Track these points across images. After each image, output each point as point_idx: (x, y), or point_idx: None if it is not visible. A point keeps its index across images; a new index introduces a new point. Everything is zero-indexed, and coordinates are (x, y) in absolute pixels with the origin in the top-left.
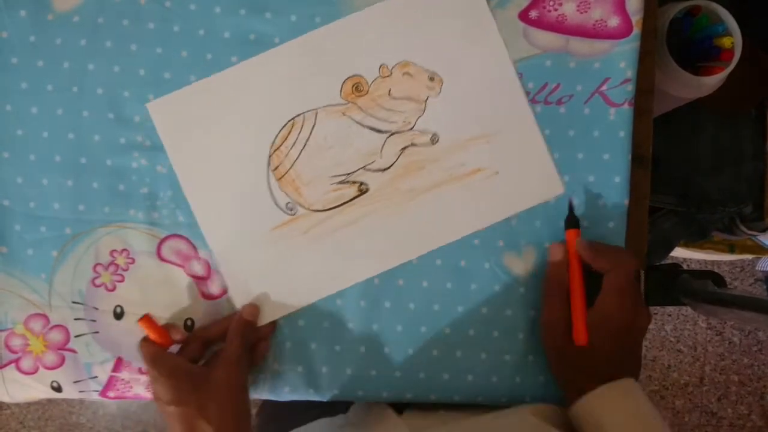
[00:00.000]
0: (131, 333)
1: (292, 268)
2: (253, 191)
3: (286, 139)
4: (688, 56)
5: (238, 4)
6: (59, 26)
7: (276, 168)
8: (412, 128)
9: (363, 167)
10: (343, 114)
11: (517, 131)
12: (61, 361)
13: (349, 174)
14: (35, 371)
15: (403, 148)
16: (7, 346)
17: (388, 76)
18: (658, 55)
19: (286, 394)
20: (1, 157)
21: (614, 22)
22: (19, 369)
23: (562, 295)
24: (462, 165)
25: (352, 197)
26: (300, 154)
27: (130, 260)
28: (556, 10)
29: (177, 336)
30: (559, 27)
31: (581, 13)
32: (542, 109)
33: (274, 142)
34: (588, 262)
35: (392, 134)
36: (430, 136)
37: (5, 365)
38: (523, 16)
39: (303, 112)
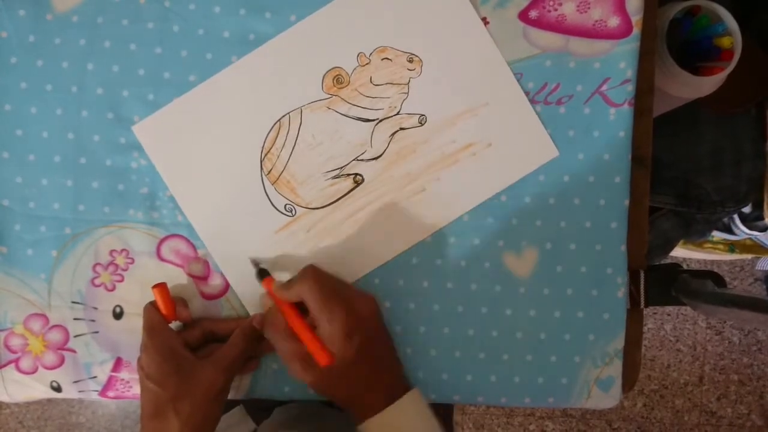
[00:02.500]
0: (131, 333)
1: (300, 269)
2: (251, 198)
3: (274, 141)
4: (688, 56)
5: (238, 4)
6: (58, 26)
7: (269, 172)
8: (398, 113)
9: (355, 158)
10: (328, 108)
11: (503, 100)
12: (61, 361)
13: (342, 167)
14: (35, 371)
15: (393, 134)
16: (7, 346)
17: (367, 64)
18: (658, 55)
19: (285, 393)
20: (1, 157)
21: (614, 22)
22: (18, 369)
23: (290, 335)
24: (453, 142)
25: (348, 190)
26: (291, 154)
27: (129, 260)
28: (555, 10)
29: (183, 314)
30: (558, 27)
31: (581, 13)
32: (542, 109)
33: (263, 146)
34: (287, 300)
35: (380, 121)
36: (417, 117)
37: (5, 365)
38: (523, 16)
39: (288, 113)
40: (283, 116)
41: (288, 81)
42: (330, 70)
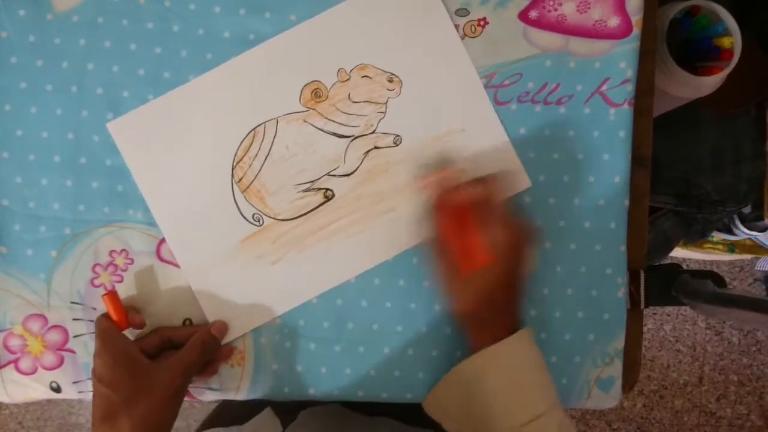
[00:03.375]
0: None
1: (264, 279)
2: (219, 205)
3: (248, 150)
4: (687, 56)
5: (238, 4)
6: (58, 26)
7: (240, 180)
8: (374, 131)
9: (327, 173)
10: (304, 121)
11: (479, 128)
12: (60, 362)
13: (313, 181)
14: (34, 372)
15: (367, 152)
16: (6, 347)
17: (347, 80)
18: (658, 55)
19: (285, 394)
20: (1, 157)
21: (614, 22)
22: (17, 369)
23: (453, 221)
24: (426, 164)
25: (318, 204)
26: (263, 164)
27: (129, 260)
28: (556, 10)
29: (136, 320)
30: (559, 27)
31: (581, 13)
32: (542, 109)
33: (236, 154)
34: (473, 192)
35: (355, 138)
36: (392, 137)
37: (4, 366)
38: (523, 16)
39: (263, 122)
40: (259, 125)
41: (266, 91)
42: (309, 83)
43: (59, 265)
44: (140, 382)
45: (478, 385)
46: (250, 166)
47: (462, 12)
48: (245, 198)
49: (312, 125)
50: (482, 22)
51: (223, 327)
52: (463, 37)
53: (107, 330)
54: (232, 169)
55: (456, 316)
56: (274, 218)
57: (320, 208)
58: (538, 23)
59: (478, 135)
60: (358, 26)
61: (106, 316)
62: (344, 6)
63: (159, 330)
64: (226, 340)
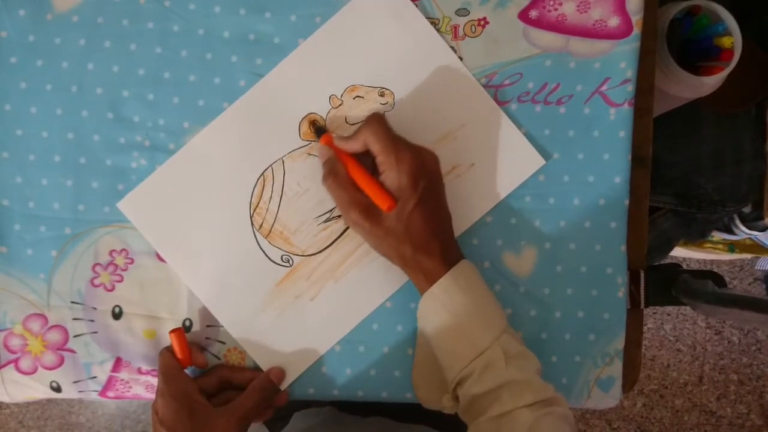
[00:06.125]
0: (130, 333)
1: (306, 317)
2: (246, 255)
3: (261, 195)
4: (688, 56)
5: (238, 4)
6: (58, 26)
7: (261, 226)
8: None
9: None
10: (308, 154)
11: (480, 119)
12: (60, 361)
13: (331, 210)
14: (34, 371)
15: None
16: (6, 347)
17: (340, 105)
18: (658, 55)
19: None
20: (1, 157)
21: (614, 22)
22: (18, 369)
23: (349, 182)
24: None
25: (342, 231)
26: (279, 205)
27: (129, 260)
28: (556, 9)
29: (199, 361)
30: (559, 27)
31: (581, 13)
32: (542, 109)
33: (251, 202)
34: (350, 150)
35: None
36: None
37: (4, 365)
38: (523, 16)
39: (270, 165)
40: (266, 169)
41: (265, 135)
42: (305, 116)
43: (59, 265)
44: (199, 426)
45: (431, 342)
46: (267, 210)
47: (462, 12)
48: (269, 242)
49: (317, 156)
50: (482, 22)
51: (281, 373)
52: (464, 37)
53: (171, 368)
54: (251, 218)
55: (404, 268)
56: (302, 255)
57: (345, 234)
58: (538, 23)
59: (481, 126)
60: (338, 50)
61: (170, 351)
62: (319, 33)
63: (218, 370)
64: (282, 385)
